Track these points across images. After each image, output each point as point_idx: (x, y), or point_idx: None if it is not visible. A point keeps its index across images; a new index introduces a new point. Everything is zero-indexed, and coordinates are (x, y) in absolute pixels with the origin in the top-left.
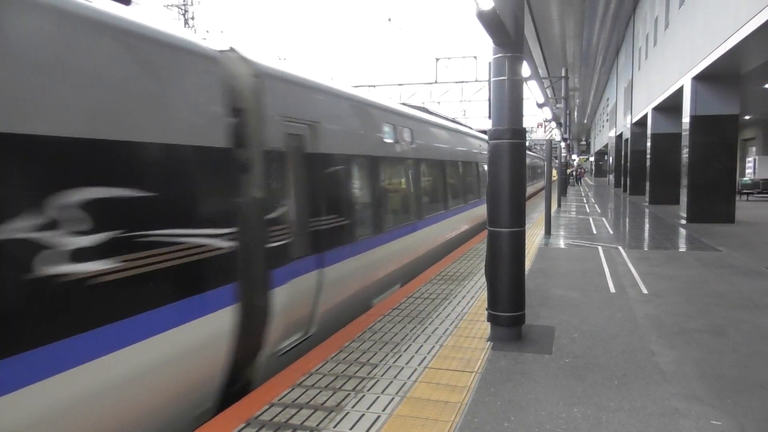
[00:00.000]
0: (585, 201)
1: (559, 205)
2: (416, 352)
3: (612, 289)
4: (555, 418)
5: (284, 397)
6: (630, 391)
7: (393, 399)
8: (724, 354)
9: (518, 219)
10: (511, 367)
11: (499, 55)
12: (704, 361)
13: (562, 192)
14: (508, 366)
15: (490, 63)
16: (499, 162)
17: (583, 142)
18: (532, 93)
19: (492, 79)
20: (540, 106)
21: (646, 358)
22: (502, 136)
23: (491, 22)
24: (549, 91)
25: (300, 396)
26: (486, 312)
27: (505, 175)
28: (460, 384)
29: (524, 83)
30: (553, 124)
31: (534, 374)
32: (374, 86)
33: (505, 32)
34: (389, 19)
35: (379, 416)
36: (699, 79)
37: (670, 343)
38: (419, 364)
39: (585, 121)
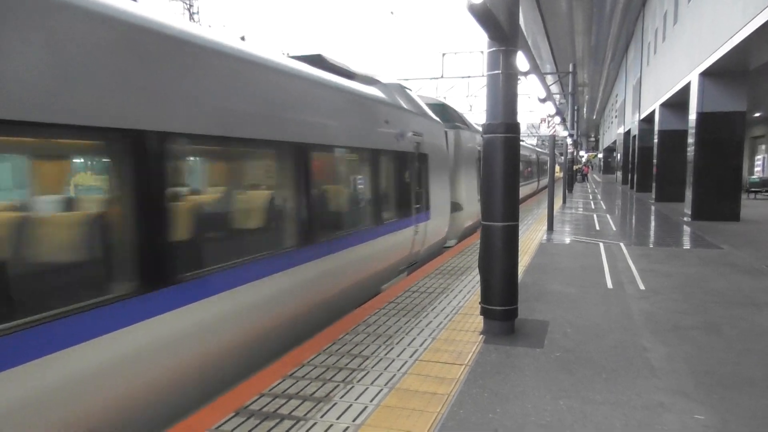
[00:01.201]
0: (591, 198)
1: (564, 202)
2: (408, 345)
3: (609, 285)
4: (540, 410)
5: (275, 387)
6: (617, 385)
7: (381, 390)
8: (716, 351)
9: (512, 213)
10: (502, 361)
11: (494, 48)
12: (695, 358)
13: (568, 188)
14: (498, 359)
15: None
16: (493, 156)
17: (592, 139)
18: (534, 88)
19: (486, 73)
20: (542, 101)
21: (637, 353)
22: (496, 131)
23: (482, 15)
24: (557, 87)
25: (290, 387)
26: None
27: (499, 169)
28: (449, 376)
29: (525, 78)
30: (557, 120)
31: (523, 367)
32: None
33: (498, 26)
34: (392, 12)
35: (366, 407)
36: (706, 75)
37: (663, 340)
38: (410, 357)
39: (594, 117)
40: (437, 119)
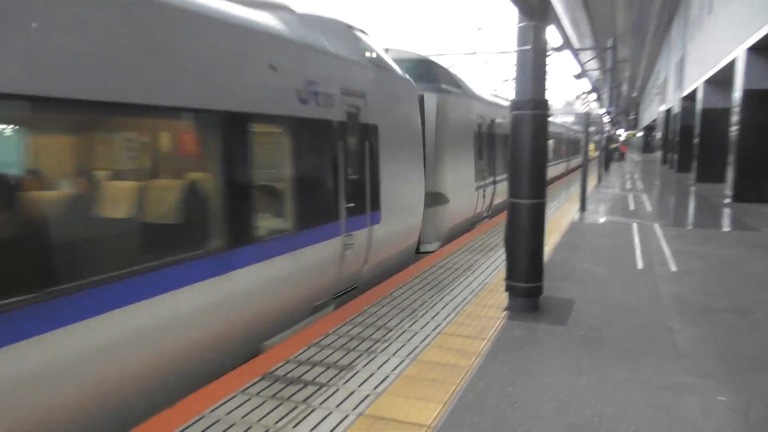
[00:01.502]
0: (627, 177)
1: (599, 181)
2: (432, 319)
3: (640, 266)
4: (559, 386)
5: (300, 354)
6: (640, 364)
7: (403, 361)
8: (745, 334)
9: (538, 191)
10: (524, 337)
11: (524, 23)
12: (723, 340)
13: (604, 168)
14: (521, 335)
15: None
16: (521, 133)
17: (632, 117)
18: (570, 64)
19: (516, 49)
20: (577, 77)
21: (662, 334)
22: (524, 107)
23: None
24: (596, 63)
25: (315, 354)
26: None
27: (527, 146)
28: (470, 350)
29: (559, 53)
30: (593, 96)
31: (546, 344)
32: None
33: (528, 0)
34: None
35: (387, 376)
36: (754, 50)
37: (691, 321)
38: (433, 330)
39: (635, 94)
40: (405, 77)
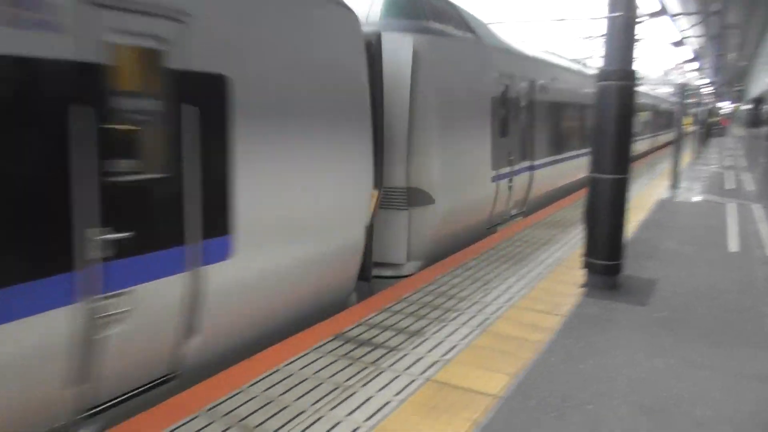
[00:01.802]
0: (728, 154)
1: (696, 157)
2: (505, 291)
3: (734, 248)
4: (634, 365)
5: (372, 318)
6: (723, 350)
7: (473, 331)
8: None
9: (622, 166)
10: (600, 315)
11: None
12: None
13: (702, 142)
14: (597, 313)
15: None
16: (606, 104)
17: (739, 88)
18: (668, 31)
19: (606, 15)
20: (675, 44)
21: (752, 319)
22: (610, 77)
23: None
24: (700, 29)
25: (387, 318)
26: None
27: (612, 118)
28: (543, 325)
29: (655, 19)
30: (694, 66)
31: (622, 323)
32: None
33: None
34: None
35: (456, 345)
36: None
37: None
38: (506, 303)
39: (743, 63)
40: (332, 2)
